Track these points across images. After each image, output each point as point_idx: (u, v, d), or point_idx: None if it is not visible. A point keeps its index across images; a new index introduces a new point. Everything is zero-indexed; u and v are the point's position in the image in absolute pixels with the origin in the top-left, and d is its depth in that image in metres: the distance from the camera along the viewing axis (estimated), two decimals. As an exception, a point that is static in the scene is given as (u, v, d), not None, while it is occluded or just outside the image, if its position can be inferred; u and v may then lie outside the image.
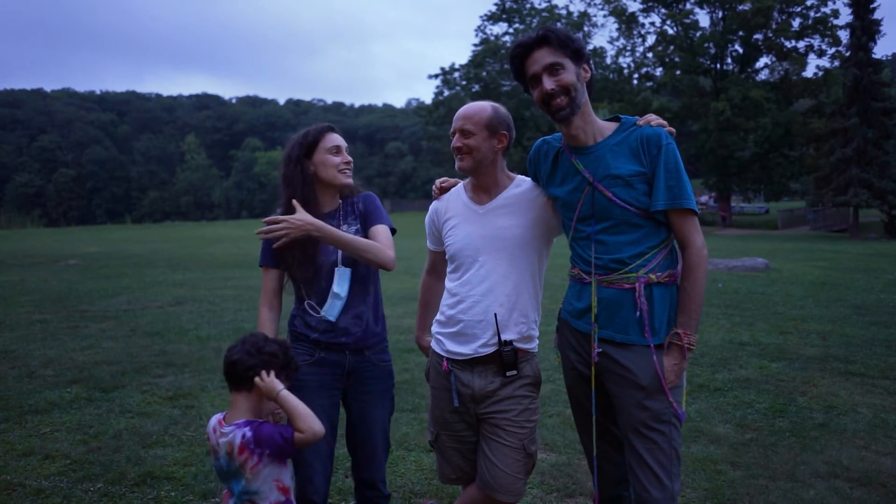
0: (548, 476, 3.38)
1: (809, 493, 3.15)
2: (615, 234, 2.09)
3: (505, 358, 2.19)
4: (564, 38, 2.06)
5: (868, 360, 5.59)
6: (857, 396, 4.63)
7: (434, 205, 2.46)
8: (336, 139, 2.41)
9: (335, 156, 2.39)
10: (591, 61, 2.18)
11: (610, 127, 2.17)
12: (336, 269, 2.34)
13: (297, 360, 2.23)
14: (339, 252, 2.35)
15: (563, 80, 2.04)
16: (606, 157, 2.10)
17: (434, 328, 2.41)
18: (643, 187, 2.06)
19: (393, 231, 2.47)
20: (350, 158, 2.43)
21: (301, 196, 2.33)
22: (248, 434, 1.97)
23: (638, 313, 2.05)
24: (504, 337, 2.20)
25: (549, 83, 2.04)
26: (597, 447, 2.27)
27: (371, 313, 2.42)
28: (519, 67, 2.14)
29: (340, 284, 2.33)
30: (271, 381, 2.02)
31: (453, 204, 2.38)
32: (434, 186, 2.51)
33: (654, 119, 2.14)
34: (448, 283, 2.37)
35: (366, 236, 2.40)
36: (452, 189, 2.44)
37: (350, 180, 2.42)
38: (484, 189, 2.32)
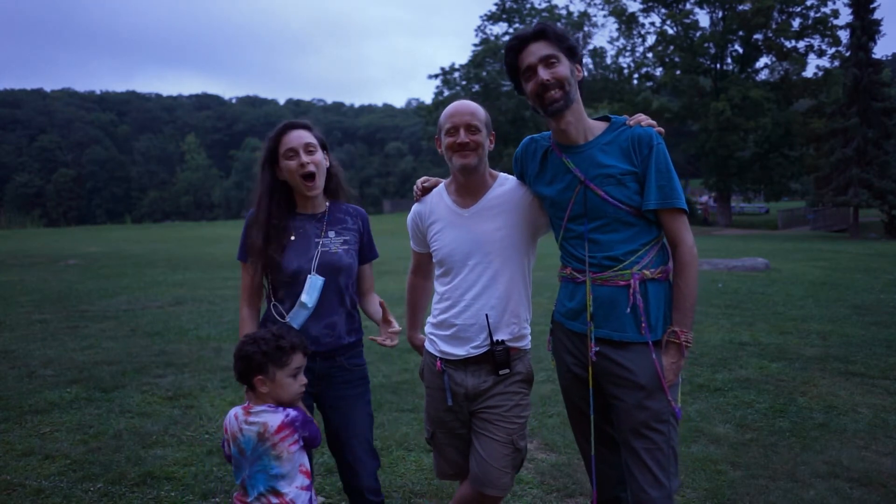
0: (548, 476, 3.38)
1: (809, 493, 3.16)
2: (608, 233, 2.09)
3: (497, 357, 2.21)
4: (561, 35, 2.10)
5: (868, 360, 5.59)
6: (857, 396, 4.63)
7: (416, 207, 2.43)
8: (291, 140, 2.22)
9: (291, 160, 2.22)
10: (583, 63, 2.21)
11: (600, 126, 2.18)
12: (309, 276, 2.23)
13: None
14: (315, 260, 2.26)
15: (559, 72, 2.07)
16: (597, 155, 2.11)
17: (427, 328, 2.41)
18: (634, 186, 2.07)
19: (376, 257, 2.50)
20: (308, 160, 2.22)
21: (275, 200, 2.27)
22: (294, 413, 2.00)
23: (633, 309, 2.05)
24: (496, 338, 2.22)
25: (544, 74, 2.07)
26: (594, 449, 2.26)
27: (345, 324, 2.33)
28: (513, 60, 2.15)
29: (309, 293, 2.22)
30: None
31: (436, 207, 2.35)
32: (416, 187, 2.46)
33: (644, 119, 2.15)
34: (438, 287, 2.36)
35: (360, 264, 2.40)
36: (433, 190, 2.41)
37: (314, 190, 2.25)
38: (469, 191, 2.29)
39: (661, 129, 2.14)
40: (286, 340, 2.03)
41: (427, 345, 2.41)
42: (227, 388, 4.91)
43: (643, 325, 2.05)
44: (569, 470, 3.44)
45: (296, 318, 2.24)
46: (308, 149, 2.24)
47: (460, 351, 2.26)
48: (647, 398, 2.04)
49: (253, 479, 1.98)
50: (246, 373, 2.01)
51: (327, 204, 2.39)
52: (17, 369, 5.46)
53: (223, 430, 2.09)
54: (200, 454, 3.66)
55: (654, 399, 2.04)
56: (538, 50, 2.08)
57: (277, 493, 1.97)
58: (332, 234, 2.33)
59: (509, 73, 2.20)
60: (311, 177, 2.24)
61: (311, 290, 2.22)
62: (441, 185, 2.41)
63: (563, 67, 2.07)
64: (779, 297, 9.30)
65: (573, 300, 2.18)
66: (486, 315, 2.21)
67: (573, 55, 2.11)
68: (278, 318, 2.27)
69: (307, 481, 2.04)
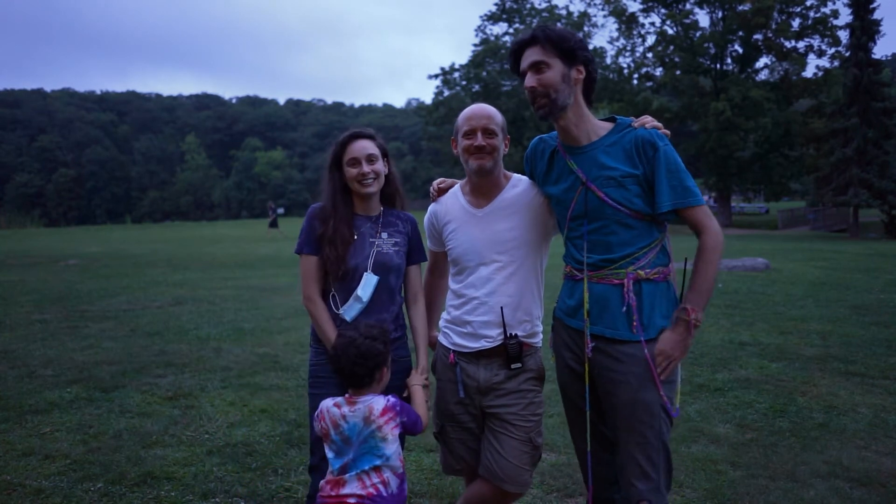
0: (548, 476, 3.38)
1: (809, 493, 3.16)
2: (607, 235, 2.11)
3: (510, 351, 2.26)
4: (555, 39, 2.09)
5: (868, 360, 5.59)
6: (857, 396, 4.63)
7: (433, 207, 2.50)
8: (356, 150, 2.40)
9: (353, 168, 2.40)
10: (593, 63, 2.18)
11: (605, 127, 2.19)
12: (365, 273, 2.38)
13: (321, 357, 2.39)
14: (371, 258, 2.40)
15: (545, 79, 2.09)
16: (599, 157, 2.12)
17: (442, 322, 2.47)
18: (636, 189, 2.07)
19: (424, 259, 2.59)
20: (369, 169, 2.39)
21: (338, 200, 2.43)
22: (394, 399, 2.14)
23: (625, 308, 2.07)
24: (510, 332, 2.26)
25: (530, 80, 2.11)
26: (589, 444, 2.27)
27: (392, 320, 2.46)
28: (515, 65, 2.21)
29: (364, 289, 2.38)
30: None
31: (452, 207, 2.42)
32: (432, 188, 2.55)
33: (648, 121, 2.15)
34: (452, 285, 2.42)
35: (407, 265, 2.52)
36: (449, 191, 2.48)
37: (370, 190, 2.41)
38: (483, 192, 2.36)
39: (667, 132, 2.14)
40: (386, 332, 2.21)
41: (440, 338, 2.46)
42: (227, 388, 4.91)
43: (635, 324, 2.07)
44: (569, 470, 3.44)
45: (349, 311, 2.38)
46: (370, 159, 2.40)
47: (474, 344, 2.30)
48: (638, 394, 2.06)
49: (359, 460, 2.08)
50: (373, 369, 2.12)
51: (381, 208, 2.53)
52: (17, 369, 5.46)
53: (319, 421, 2.17)
54: (200, 454, 3.66)
55: (646, 395, 2.06)
56: (529, 56, 2.12)
57: (378, 471, 2.08)
58: (384, 235, 2.48)
59: (517, 75, 2.26)
60: (369, 183, 2.41)
61: (367, 286, 2.38)
62: (456, 186, 2.48)
63: (553, 73, 2.08)
64: (779, 297, 9.30)
65: (572, 297, 2.22)
66: (501, 308, 2.26)
67: (571, 57, 2.10)
68: (333, 309, 2.41)
69: (401, 468, 2.15)
